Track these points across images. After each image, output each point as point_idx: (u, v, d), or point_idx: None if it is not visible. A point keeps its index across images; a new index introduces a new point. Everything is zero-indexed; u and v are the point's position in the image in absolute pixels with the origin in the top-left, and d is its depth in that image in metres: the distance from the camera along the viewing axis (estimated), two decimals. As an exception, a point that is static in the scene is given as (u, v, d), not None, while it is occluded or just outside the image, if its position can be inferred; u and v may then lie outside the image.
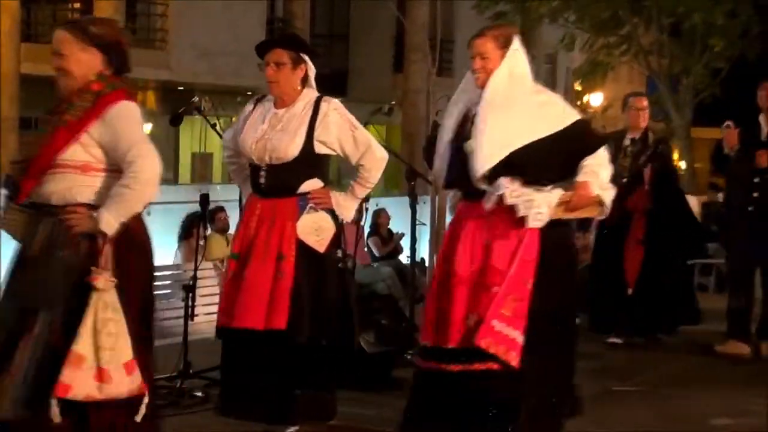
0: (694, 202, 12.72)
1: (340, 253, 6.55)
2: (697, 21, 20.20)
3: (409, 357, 7.93)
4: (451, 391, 5.73)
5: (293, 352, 6.03)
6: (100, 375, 4.88)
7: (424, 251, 16.64)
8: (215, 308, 6.88)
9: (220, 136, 7.15)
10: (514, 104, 5.75)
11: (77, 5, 24.14)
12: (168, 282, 10.40)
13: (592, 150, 5.84)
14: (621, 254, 9.66)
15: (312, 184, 6.24)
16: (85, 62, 5.15)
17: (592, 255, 10.12)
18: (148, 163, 4.99)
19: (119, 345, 4.93)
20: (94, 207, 5.01)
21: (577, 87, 40.61)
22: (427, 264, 16.42)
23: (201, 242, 8.68)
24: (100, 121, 5.03)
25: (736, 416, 7.22)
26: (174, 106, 18.10)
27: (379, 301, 8.51)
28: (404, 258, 15.67)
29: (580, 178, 5.77)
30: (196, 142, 27.33)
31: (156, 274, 9.29)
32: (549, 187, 5.72)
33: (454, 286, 5.77)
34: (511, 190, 5.64)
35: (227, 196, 12.68)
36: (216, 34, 24.14)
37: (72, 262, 4.97)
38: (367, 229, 16.53)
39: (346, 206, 6.36)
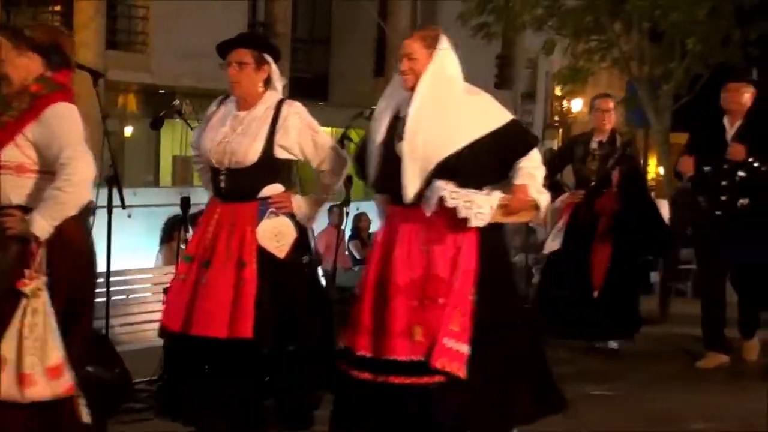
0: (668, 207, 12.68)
1: (307, 258, 6.30)
2: (676, 19, 20.25)
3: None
4: (393, 404, 5.60)
5: (259, 361, 5.91)
6: (22, 379, 4.87)
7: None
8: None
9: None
10: (445, 106, 5.66)
11: (57, 8, 24.08)
12: (149, 285, 10.40)
13: (525, 151, 5.73)
14: (588, 257, 9.51)
15: (273, 189, 6.12)
16: (23, 66, 5.18)
17: (558, 257, 9.85)
18: (81, 166, 4.97)
19: (45, 349, 4.92)
20: (27, 209, 5.00)
21: (558, 92, 40.78)
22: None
23: (182, 245, 8.68)
24: (36, 122, 5.04)
25: (713, 420, 7.26)
26: (155, 109, 18.08)
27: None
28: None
29: (518, 181, 5.69)
30: (177, 145, 27.25)
31: (137, 277, 9.35)
32: (485, 190, 5.65)
33: (391, 295, 5.63)
34: (450, 191, 5.55)
35: (200, 200, 12.66)
36: (197, 37, 24.07)
37: (3, 265, 4.94)
38: (348, 233, 16.59)
39: (307, 211, 6.22)
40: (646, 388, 8.28)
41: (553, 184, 9.16)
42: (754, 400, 7.55)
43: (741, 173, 8.67)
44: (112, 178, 7.41)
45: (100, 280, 7.09)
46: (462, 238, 5.58)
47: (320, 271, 14.41)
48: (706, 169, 8.84)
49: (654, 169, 31.00)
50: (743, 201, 8.65)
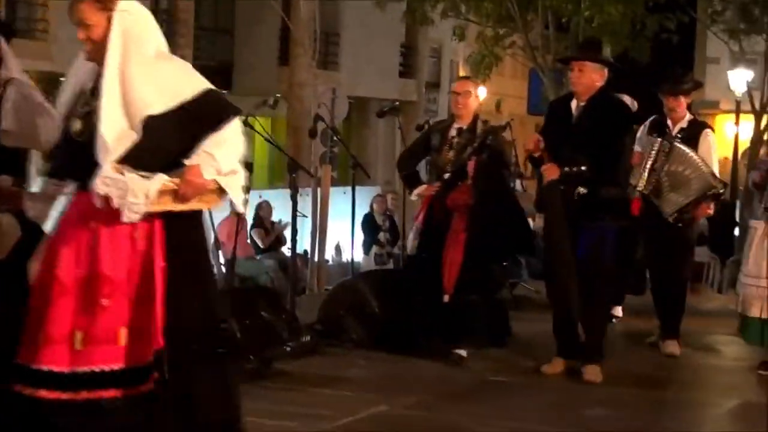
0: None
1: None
2: (588, 16, 20.45)
3: (288, 349, 7.97)
4: (45, 423, 4.74)
5: None
6: None
7: (306, 243, 16.72)
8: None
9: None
10: (130, 75, 4.77)
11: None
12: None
13: (214, 126, 4.86)
14: (440, 257, 8.40)
15: None
16: None
17: (411, 258, 8.98)
18: None
19: None
20: None
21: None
22: (309, 256, 16.50)
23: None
24: None
25: (613, 408, 7.29)
26: (56, 96, 17.84)
27: (260, 294, 8.52)
28: (287, 250, 15.68)
29: (191, 161, 4.81)
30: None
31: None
32: (157, 174, 4.76)
33: (55, 296, 4.76)
34: (103, 177, 4.66)
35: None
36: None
37: None
38: (250, 221, 16.53)
39: (35, 206, 5.15)
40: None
41: (407, 176, 8.88)
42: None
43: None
44: None
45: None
46: (140, 230, 4.78)
47: (221, 260, 14.37)
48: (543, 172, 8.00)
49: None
50: (582, 190, 7.77)
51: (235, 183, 4.95)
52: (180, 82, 4.86)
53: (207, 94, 4.91)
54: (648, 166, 8.74)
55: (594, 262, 7.83)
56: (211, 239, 11.16)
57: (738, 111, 29.92)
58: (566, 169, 7.69)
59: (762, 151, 8.98)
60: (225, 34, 30.88)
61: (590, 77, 7.88)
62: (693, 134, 8.95)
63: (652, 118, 9.19)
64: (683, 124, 9.01)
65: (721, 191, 8.98)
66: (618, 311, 10.19)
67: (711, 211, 9.03)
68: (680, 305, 9.06)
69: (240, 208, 5.19)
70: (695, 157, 8.70)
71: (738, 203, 19.34)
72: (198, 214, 4.99)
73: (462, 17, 22.66)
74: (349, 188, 9.71)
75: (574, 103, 7.99)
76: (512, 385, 7.64)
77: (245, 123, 8.70)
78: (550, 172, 7.78)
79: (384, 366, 8.04)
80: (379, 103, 25.41)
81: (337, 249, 19.81)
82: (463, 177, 8.37)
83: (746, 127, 29.09)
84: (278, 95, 29.13)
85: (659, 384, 8.02)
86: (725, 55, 31.33)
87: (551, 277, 8.31)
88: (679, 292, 9.08)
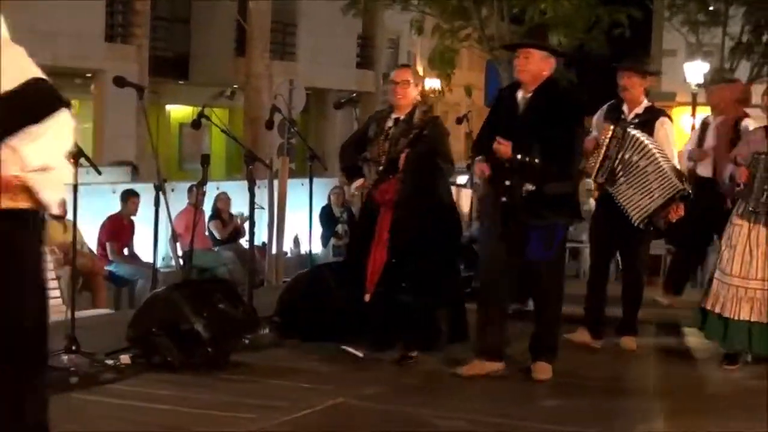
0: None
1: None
2: (542, 8, 20.52)
3: (246, 341, 7.95)
4: None
5: None
6: None
7: (264, 235, 16.69)
8: (52, 293, 6.76)
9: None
10: None
11: None
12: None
13: (35, 118, 4.40)
14: (367, 254, 8.08)
15: None
16: None
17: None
18: None
19: None
20: None
21: (420, 71, 40.88)
22: (267, 248, 16.46)
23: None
24: None
25: (566, 397, 7.33)
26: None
27: (218, 285, 8.49)
28: (245, 242, 15.64)
29: None
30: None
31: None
32: None
33: None
34: None
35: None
36: (55, 16, 23.65)
37: None
38: (208, 213, 16.48)
39: None
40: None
41: (346, 168, 8.49)
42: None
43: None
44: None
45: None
46: None
47: (179, 251, 14.34)
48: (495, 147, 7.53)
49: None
50: (529, 187, 7.39)
51: (47, 180, 4.43)
52: (8, 71, 4.39)
53: (30, 84, 4.43)
54: (601, 153, 8.43)
55: (545, 262, 7.59)
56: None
57: (694, 103, 30.09)
58: (519, 156, 7.30)
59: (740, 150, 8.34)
60: (181, 25, 30.76)
61: (537, 65, 7.53)
62: (649, 120, 8.64)
63: (609, 103, 8.91)
64: (639, 110, 8.70)
65: (689, 192, 8.51)
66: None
67: (682, 212, 8.56)
68: (637, 299, 8.90)
69: (53, 209, 4.53)
70: (651, 145, 8.37)
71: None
72: (23, 213, 4.47)
73: (416, 10, 22.68)
74: (307, 180, 9.66)
75: (520, 93, 7.63)
76: (470, 379, 7.62)
77: (200, 114, 8.69)
78: (504, 149, 7.34)
79: (341, 358, 8.02)
80: (336, 95, 25.39)
81: (296, 241, 19.77)
82: (395, 170, 8.00)
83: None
84: (235, 86, 29.16)
85: (617, 376, 8.07)
86: (682, 47, 31.55)
87: (482, 278, 7.95)
88: (635, 285, 8.91)
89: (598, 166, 8.43)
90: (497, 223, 7.58)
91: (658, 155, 8.37)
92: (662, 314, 10.12)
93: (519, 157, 7.30)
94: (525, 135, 7.38)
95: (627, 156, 8.38)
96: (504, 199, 7.48)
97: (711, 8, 27.05)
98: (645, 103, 8.77)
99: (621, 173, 8.41)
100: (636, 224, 8.40)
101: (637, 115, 8.67)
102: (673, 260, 11.42)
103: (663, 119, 8.72)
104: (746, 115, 10.18)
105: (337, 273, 8.91)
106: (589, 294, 8.86)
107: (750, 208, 7.78)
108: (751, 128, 9.42)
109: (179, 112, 32.01)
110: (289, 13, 31.11)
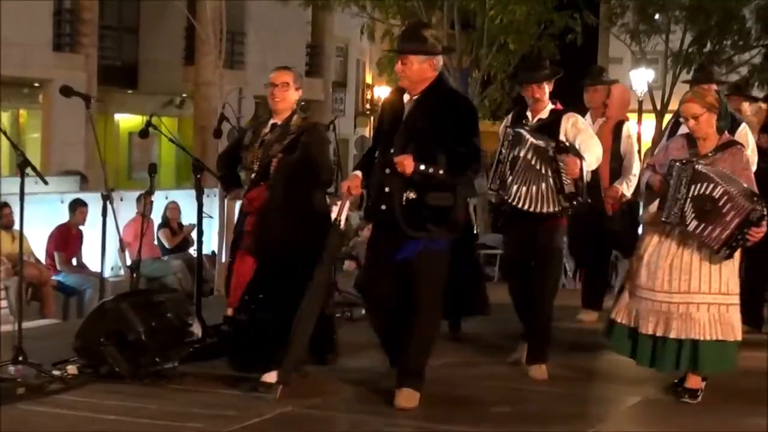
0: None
1: None
2: (493, 14, 20.60)
3: (194, 350, 7.91)
4: None
5: None
6: None
7: (213, 244, 16.64)
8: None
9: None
10: None
11: None
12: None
13: None
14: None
15: None
16: None
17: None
18: None
19: None
20: None
21: (369, 80, 41.00)
22: (216, 257, 16.40)
23: None
24: None
25: (516, 403, 7.34)
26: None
27: (166, 295, 8.45)
28: (194, 251, 15.59)
29: None
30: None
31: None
32: None
33: None
34: None
35: (10, 190, 12.33)
36: (2, 26, 23.48)
37: None
38: (157, 222, 16.40)
39: None
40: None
41: (223, 177, 8.12)
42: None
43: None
44: None
45: None
46: None
47: (128, 261, 14.26)
48: (376, 153, 7.17)
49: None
50: (410, 194, 6.87)
51: None
52: None
53: None
54: (496, 159, 7.96)
55: (418, 276, 6.94)
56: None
57: (640, 111, 30.31)
58: (422, 167, 6.71)
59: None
60: (130, 33, 30.63)
61: (416, 69, 6.95)
62: (552, 122, 8.02)
63: (515, 111, 8.44)
64: (543, 114, 8.10)
65: (575, 203, 7.89)
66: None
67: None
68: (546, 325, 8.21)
69: None
70: (535, 140, 7.83)
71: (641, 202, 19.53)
72: None
73: (365, 15, 22.69)
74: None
75: (406, 97, 7.08)
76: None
77: (148, 123, 8.65)
78: (407, 164, 6.73)
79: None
80: (286, 103, 25.33)
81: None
82: (267, 176, 7.59)
83: (648, 126, 29.53)
84: (184, 95, 29.08)
85: (564, 379, 8.08)
86: (627, 55, 31.76)
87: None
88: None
89: (492, 173, 7.99)
90: (375, 231, 7.22)
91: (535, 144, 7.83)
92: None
93: (423, 167, 6.73)
94: (409, 142, 6.87)
95: (521, 154, 7.86)
96: (383, 207, 6.96)
97: (656, 17, 27.24)
98: (549, 106, 8.16)
99: (509, 175, 7.88)
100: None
101: (539, 120, 8.11)
102: (584, 276, 10.91)
103: (568, 115, 8.14)
104: (626, 119, 10.09)
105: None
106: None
107: (662, 218, 7.38)
108: (632, 132, 9.47)
109: (128, 121, 31.85)
110: (238, 22, 31.03)
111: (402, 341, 7.04)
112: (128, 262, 14.46)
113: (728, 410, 7.24)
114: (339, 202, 7.28)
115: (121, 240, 12.50)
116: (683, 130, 7.95)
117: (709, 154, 7.24)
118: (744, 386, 7.71)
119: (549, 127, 8.02)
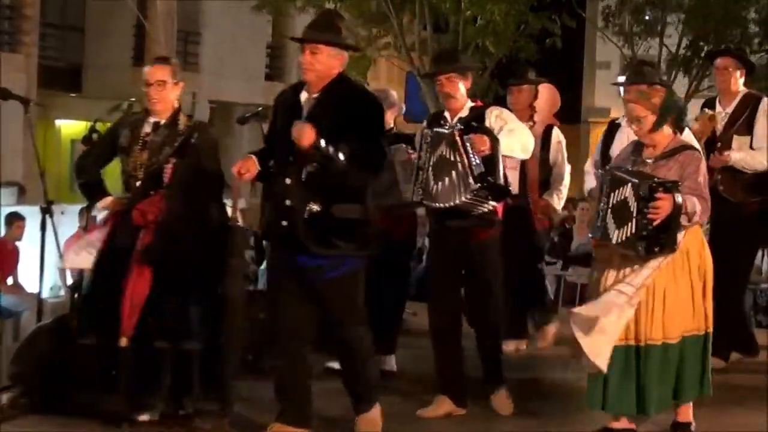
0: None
1: None
2: (469, 16, 20.66)
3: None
4: None
5: None
6: None
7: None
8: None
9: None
10: None
11: None
12: None
13: None
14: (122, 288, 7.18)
15: None
16: None
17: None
18: None
19: None
20: None
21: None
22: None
23: None
24: None
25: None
26: None
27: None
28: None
29: None
30: None
31: None
32: None
33: None
34: None
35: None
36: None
37: None
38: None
39: None
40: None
41: (86, 185, 7.78)
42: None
43: (309, 168, 6.64)
44: None
45: None
46: None
47: (68, 280, 14.15)
48: (270, 163, 6.89)
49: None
50: (314, 207, 6.65)
51: None
52: None
53: None
54: (415, 167, 7.75)
55: (332, 303, 6.81)
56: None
57: (629, 118, 30.36)
58: (323, 143, 6.42)
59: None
60: (75, 32, 30.52)
61: (326, 63, 6.74)
62: (475, 118, 7.72)
63: (432, 113, 8.33)
64: (463, 112, 7.81)
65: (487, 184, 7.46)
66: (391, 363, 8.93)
67: None
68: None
69: None
70: (445, 131, 7.60)
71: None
72: None
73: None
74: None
75: (304, 95, 6.86)
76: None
77: (92, 129, 8.52)
78: (305, 133, 6.45)
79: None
80: (243, 108, 25.29)
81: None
82: (158, 184, 7.28)
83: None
84: (133, 99, 28.93)
85: (525, 395, 8.08)
86: (616, 59, 31.87)
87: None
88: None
89: (413, 177, 7.76)
90: (279, 249, 6.94)
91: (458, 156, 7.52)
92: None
93: (323, 144, 6.42)
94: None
95: (437, 153, 7.62)
96: (284, 222, 6.72)
97: (647, 17, 27.34)
98: (468, 103, 7.88)
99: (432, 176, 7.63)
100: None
101: (459, 118, 7.78)
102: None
103: (492, 109, 7.92)
104: (556, 123, 9.70)
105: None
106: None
107: (589, 235, 7.02)
108: (561, 138, 9.45)
109: (71, 127, 31.67)
110: (193, 22, 30.97)
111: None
112: (69, 281, 14.35)
113: (728, 410, 7.46)
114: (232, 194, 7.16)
115: (61, 257, 12.41)
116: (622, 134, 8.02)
117: (648, 161, 6.84)
118: (744, 386, 8.03)
119: (468, 124, 7.66)
